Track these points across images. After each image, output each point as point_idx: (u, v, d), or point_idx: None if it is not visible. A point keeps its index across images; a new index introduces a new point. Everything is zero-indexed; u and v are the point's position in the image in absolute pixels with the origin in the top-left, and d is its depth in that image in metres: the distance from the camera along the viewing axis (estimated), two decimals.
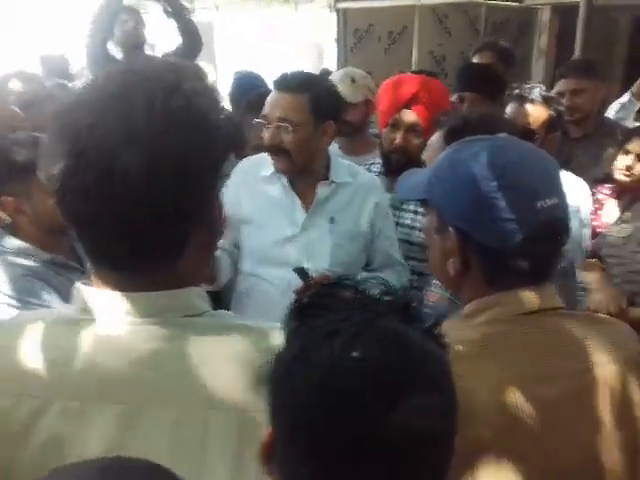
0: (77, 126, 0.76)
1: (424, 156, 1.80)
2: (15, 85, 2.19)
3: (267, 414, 0.69)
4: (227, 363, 0.81)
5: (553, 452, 0.94)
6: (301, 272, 1.80)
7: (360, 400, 0.61)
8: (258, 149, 2.24)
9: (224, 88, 4.52)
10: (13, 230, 1.67)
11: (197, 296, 0.88)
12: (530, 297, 1.01)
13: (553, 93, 2.91)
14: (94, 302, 0.84)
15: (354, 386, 0.61)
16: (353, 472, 0.62)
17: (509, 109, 2.41)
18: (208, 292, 2.04)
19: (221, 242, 2.01)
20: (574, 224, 2.35)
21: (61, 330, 0.85)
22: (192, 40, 3.53)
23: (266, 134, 1.90)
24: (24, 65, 3.68)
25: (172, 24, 3.59)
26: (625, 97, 3.46)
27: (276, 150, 1.90)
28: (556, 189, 1.01)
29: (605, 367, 0.99)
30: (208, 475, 0.77)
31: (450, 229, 1.02)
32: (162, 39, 4.76)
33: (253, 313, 1.92)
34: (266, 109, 1.91)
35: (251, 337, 0.85)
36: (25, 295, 1.55)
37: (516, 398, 0.93)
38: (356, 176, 2.06)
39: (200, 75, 0.87)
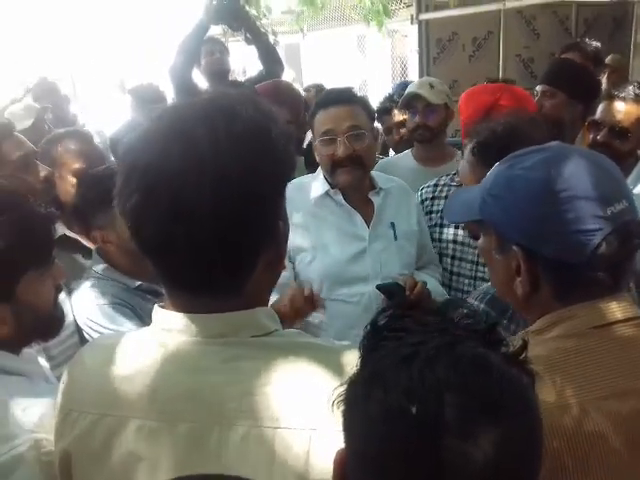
0: (145, 162, 0.81)
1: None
2: (68, 145, 2.19)
3: (339, 434, 0.70)
4: (297, 381, 0.83)
5: (629, 471, 0.90)
6: (389, 288, 1.79)
7: (437, 430, 0.59)
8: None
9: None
10: (104, 259, 1.78)
11: (266, 316, 0.90)
12: (605, 308, 0.96)
13: None
14: (169, 323, 0.88)
15: (431, 413, 0.60)
16: None
17: (599, 108, 2.31)
18: None
19: (284, 277, 2.00)
20: None
21: (137, 350, 0.90)
22: (272, 65, 3.62)
23: (337, 148, 1.91)
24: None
25: (254, 49, 3.71)
26: None
27: (349, 161, 1.92)
28: (623, 192, 0.97)
29: None
30: None
31: (514, 248, 0.98)
32: (251, 65, 4.92)
33: (333, 337, 1.89)
34: (329, 125, 1.93)
35: (322, 355, 0.86)
36: (111, 322, 1.64)
37: (588, 417, 0.89)
38: (393, 180, 2.14)
39: (253, 96, 0.90)
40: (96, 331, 1.68)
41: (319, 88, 4.83)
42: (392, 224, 2.03)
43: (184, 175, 0.78)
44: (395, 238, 2.02)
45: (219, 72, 3.71)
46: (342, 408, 0.69)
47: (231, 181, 0.79)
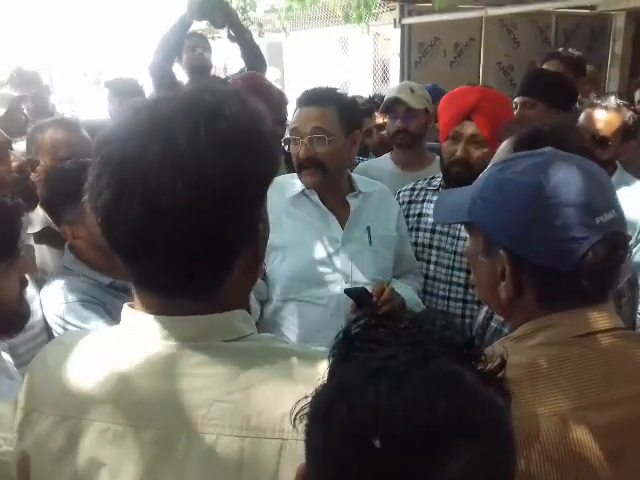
0: (119, 157, 0.77)
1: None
2: (54, 134, 2.14)
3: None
4: (267, 388, 0.79)
5: None
6: (356, 292, 1.77)
7: (404, 453, 0.56)
8: None
9: (291, 104, 4.69)
10: (76, 255, 1.72)
11: (241, 319, 0.86)
12: (588, 318, 0.95)
13: (636, 99, 2.79)
14: (138, 324, 0.84)
15: (397, 437, 0.56)
16: None
17: (582, 116, 2.32)
18: None
19: None
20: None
21: (102, 351, 0.86)
22: (255, 63, 3.59)
23: (299, 149, 1.91)
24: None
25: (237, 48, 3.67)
26: None
27: (310, 163, 1.91)
28: (612, 202, 0.96)
29: None
30: None
31: (500, 252, 0.97)
32: (233, 62, 4.89)
33: (301, 339, 1.91)
34: (295, 124, 1.93)
35: (295, 363, 0.83)
36: (80, 320, 1.59)
37: (566, 428, 0.87)
38: (374, 184, 2.12)
39: (241, 95, 0.86)
40: (64, 329, 1.63)
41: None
42: (368, 228, 2.00)
43: (160, 172, 0.74)
44: (370, 242, 1.99)
45: (200, 68, 3.67)
46: (307, 420, 0.65)
47: (210, 180, 0.75)
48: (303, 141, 1.90)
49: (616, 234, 0.94)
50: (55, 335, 1.66)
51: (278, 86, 4.52)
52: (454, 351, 0.63)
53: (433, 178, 2.37)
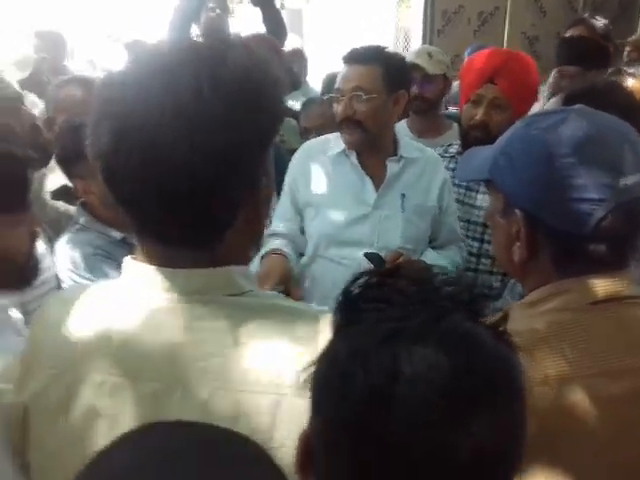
0: (119, 103, 0.75)
1: None
2: (71, 91, 2.15)
3: (307, 404, 0.64)
4: (266, 344, 0.78)
5: (614, 452, 0.86)
6: (374, 257, 1.75)
7: (427, 416, 0.54)
8: (321, 129, 2.27)
9: (311, 72, 4.64)
10: (88, 210, 1.72)
11: (241, 275, 0.85)
12: (604, 284, 0.92)
13: None
14: (138, 276, 0.83)
15: (420, 397, 0.54)
16: None
17: None
18: None
19: (286, 229, 2.00)
20: None
21: (102, 304, 0.85)
22: (276, 30, 3.53)
23: (339, 107, 1.89)
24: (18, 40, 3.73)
25: (259, 13, 3.61)
26: None
27: (349, 122, 1.88)
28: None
29: None
30: None
31: (517, 212, 0.94)
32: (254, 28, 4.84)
33: (322, 296, 1.91)
34: (339, 83, 1.91)
35: (296, 319, 0.82)
36: (93, 273, 1.59)
37: (575, 394, 0.85)
38: (424, 151, 2.05)
39: (247, 46, 0.83)
40: (75, 283, 1.63)
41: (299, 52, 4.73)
42: (402, 195, 1.96)
43: (160, 120, 0.72)
44: (402, 210, 1.95)
45: (217, 30, 3.61)
46: (313, 385, 0.63)
47: (211, 132, 0.73)
48: (343, 99, 1.88)
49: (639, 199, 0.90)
50: None
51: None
52: (462, 307, 0.61)
53: (450, 145, 2.33)
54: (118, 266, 1.60)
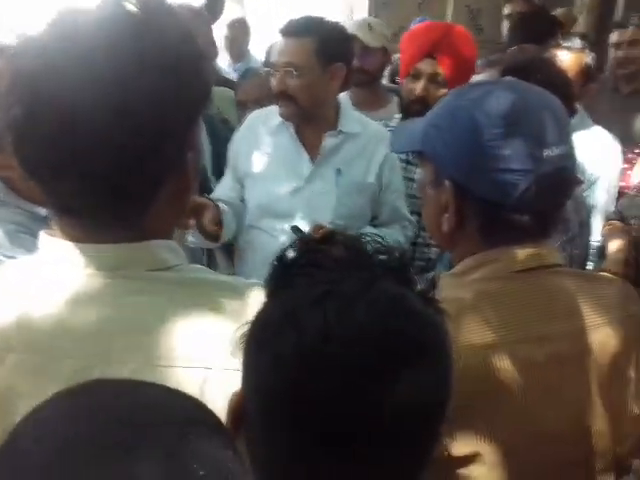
0: (33, 69, 0.71)
1: None
2: None
3: (235, 373, 0.65)
4: (193, 318, 0.77)
5: (537, 414, 0.90)
6: (297, 230, 1.75)
7: (358, 371, 0.56)
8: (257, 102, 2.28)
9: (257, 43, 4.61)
10: (7, 185, 1.65)
11: (166, 249, 0.83)
12: (527, 254, 0.95)
13: (611, 42, 2.82)
14: (56, 252, 0.80)
15: (351, 356, 0.56)
16: (337, 445, 0.58)
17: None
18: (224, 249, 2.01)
19: (227, 196, 1.99)
20: (601, 183, 2.27)
21: (19, 281, 0.82)
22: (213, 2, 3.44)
23: (273, 81, 1.89)
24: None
25: None
26: None
27: (282, 96, 1.88)
28: (564, 137, 0.94)
29: (600, 329, 0.94)
30: None
31: (446, 182, 0.95)
32: None
33: (253, 265, 1.96)
34: (275, 56, 1.92)
35: (223, 293, 0.81)
36: (16, 252, 1.53)
37: (500, 359, 0.88)
38: (367, 127, 2.02)
39: (174, 12, 0.80)
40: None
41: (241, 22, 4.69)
42: (338, 170, 1.95)
43: (76, 89, 0.69)
44: (337, 185, 1.94)
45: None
46: (246, 347, 0.64)
47: (131, 102, 0.70)
48: (277, 74, 1.88)
49: (563, 169, 0.93)
50: None
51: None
52: (393, 273, 0.63)
53: (392, 118, 2.33)
54: None
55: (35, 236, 1.55)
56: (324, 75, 1.87)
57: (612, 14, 4.98)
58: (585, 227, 1.60)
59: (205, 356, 0.74)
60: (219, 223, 1.85)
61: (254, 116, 2.09)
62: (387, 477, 0.61)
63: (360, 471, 0.59)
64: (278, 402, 0.60)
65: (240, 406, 0.64)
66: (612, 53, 2.96)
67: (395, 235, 2.04)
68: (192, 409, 0.52)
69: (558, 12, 4.02)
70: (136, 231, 0.79)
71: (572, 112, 1.44)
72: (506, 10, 3.37)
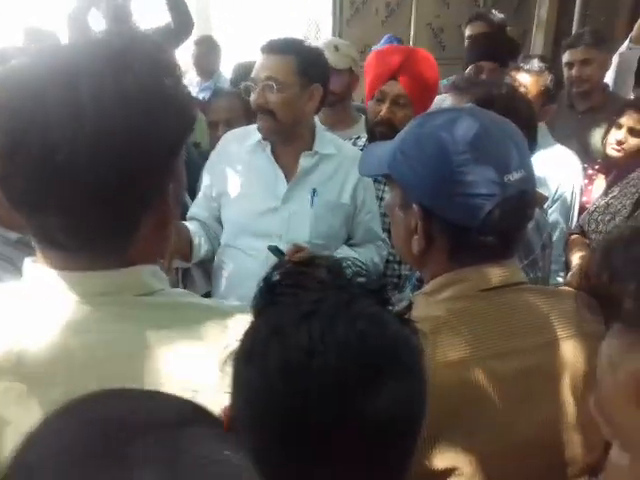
0: (16, 104, 0.72)
1: None
2: None
3: (221, 395, 0.68)
4: (180, 342, 0.79)
5: (509, 427, 0.94)
6: (276, 250, 1.78)
7: (339, 384, 0.61)
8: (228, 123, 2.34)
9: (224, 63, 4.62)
10: None
11: (150, 274, 0.85)
12: (492, 273, 0.99)
13: (564, 62, 2.89)
14: (41, 280, 0.81)
15: (334, 370, 0.61)
16: (323, 453, 0.62)
17: (506, 79, 2.37)
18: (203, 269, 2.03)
19: (201, 215, 2.02)
20: (564, 199, 2.34)
21: (7, 307, 0.83)
22: (181, 18, 3.45)
23: (253, 95, 1.91)
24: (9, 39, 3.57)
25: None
26: (623, 46, 3.24)
27: (262, 110, 1.90)
28: (524, 161, 0.98)
29: (567, 341, 0.98)
30: None
31: (414, 206, 0.99)
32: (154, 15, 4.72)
33: (229, 284, 1.98)
34: (254, 72, 1.92)
35: (207, 316, 0.83)
36: None
37: (474, 375, 0.91)
38: (341, 148, 2.07)
39: (158, 49, 0.82)
40: None
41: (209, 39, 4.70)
42: (314, 190, 1.98)
43: (59, 125, 0.70)
44: (312, 205, 1.97)
45: (119, 17, 3.49)
46: (235, 363, 0.68)
47: (113, 136, 0.72)
48: (256, 88, 1.90)
49: (524, 193, 0.97)
50: None
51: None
52: (371, 294, 0.68)
53: (358, 138, 2.37)
54: (15, 268, 1.55)
55: (8, 261, 1.55)
56: (303, 94, 1.91)
57: (569, 30, 5.15)
58: (547, 249, 1.65)
59: (191, 379, 0.76)
60: (189, 243, 1.88)
61: (230, 136, 2.12)
62: None
63: (342, 476, 0.63)
64: (266, 413, 0.64)
65: (229, 421, 0.67)
66: (565, 72, 3.02)
67: (371, 255, 2.09)
68: (191, 410, 0.55)
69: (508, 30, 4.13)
70: (121, 260, 0.81)
71: (534, 142, 1.50)
72: (467, 32, 3.45)
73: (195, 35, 4.02)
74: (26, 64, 0.76)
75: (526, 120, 1.24)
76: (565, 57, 3.01)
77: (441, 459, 0.90)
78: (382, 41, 3.96)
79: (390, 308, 0.69)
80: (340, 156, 2.03)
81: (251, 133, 2.01)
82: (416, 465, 0.87)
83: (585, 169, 2.56)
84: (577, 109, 3.02)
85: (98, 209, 0.74)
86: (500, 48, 2.88)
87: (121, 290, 0.81)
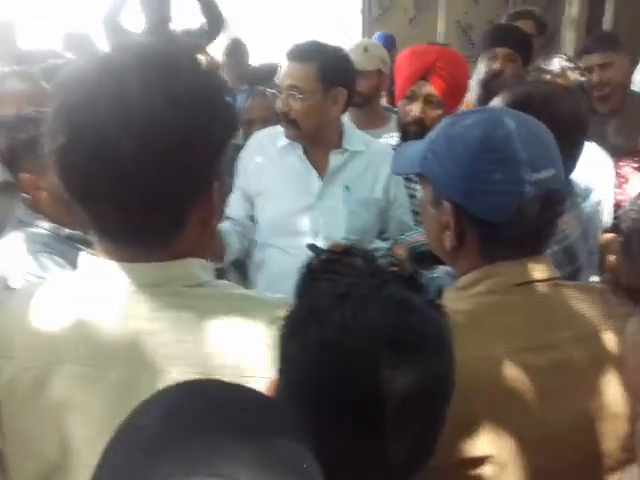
0: (73, 102, 0.79)
1: None
2: (13, 85, 2.12)
3: (269, 376, 0.74)
4: (229, 330, 0.84)
5: (543, 418, 0.96)
6: (314, 248, 1.82)
7: (369, 359, 0.66)
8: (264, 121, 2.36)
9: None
10: (34, 207, 1.71)
11: (198, 267, 0.90)
12: (525, 268, 1.01)
13: (582, 67, 2.86)
14: (98, 270, 0.87)
15: (364, 346, 0.66)
16: (352, 425, 0.67)
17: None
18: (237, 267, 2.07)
19: (235, 214, 2.06)
20: (595, 196, 2.33)
21: (65, 298, 0.88)
22: (213, 19, 3.53)
23: (278, 103, 1.96)
24: (48, 43, 3.69)
25: (195, 2, 3.59)
26: None
27: (285, 118, 1.95)
28: (552, 160, 1.01)
29: (600, 336, 1.00)
30: None
31: (445, 203, 1.02)
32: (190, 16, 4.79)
33: (268, 282, 2.01)
34: (279, 79, 1.99)
35: (255, 307, 0.88)
36: (42, 272, 1.59)
37: (507, 367, 0.94)
38: (370, 144, 2.11)
39: (201, 56, 0.88)
40: (26, 281, 1.62)
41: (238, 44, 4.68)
42: (347, 187, 2.02)
43: (108, 123, 0.76)
44: (345, 201, 2.02)
45: (159, 19, 3.58)
46: (280, 341, 0.73)
47: (159, 138, 0.77)
48: (281, 97, 1.95)
49: (552, 191, 1.00)
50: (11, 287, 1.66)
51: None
52: (402, 281, 0.74)
53: (391, 137, 2.39)
54: (66, 263, 1.62)
55: (60, 256, 1.62)
56: (326, 99, 1.94)
57: (600, 28, 5.10)
58: (592, 254, 1.64)
59: (241, 365, 0.81)
60: (223, 243, 1.93)
61: (261, 135, 2.16)
62: (397, 454, 0.70)
63: (371, 446, 0.68)
64: (303, 386, 0.69)
65: (274, 393, 0.73)
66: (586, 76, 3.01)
67: None
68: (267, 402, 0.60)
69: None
70: (168, 253, 0.86)
71: (578, 151, 1.50)
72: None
73: (224, 39, 4.06)
74: (82, 67, 0.83)
75: (570, 122, 1.25)
76: (584, 63, 2.99)
77: (475, 447, 0.93)
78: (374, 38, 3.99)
79: (420, 293, 0.74)
80: (369, 152, 2.08)
81: (281, 133, 2.05)
82: (451, 453, 0.92)
83: (621, 167, 2.55)
84: (599, 112, 3.00)
85: (145, 203, 0.80)
86: (514, 34, 2.82)
87: (172, 281, 0.86)
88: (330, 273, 0.75)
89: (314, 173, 2.02)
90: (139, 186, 0.78)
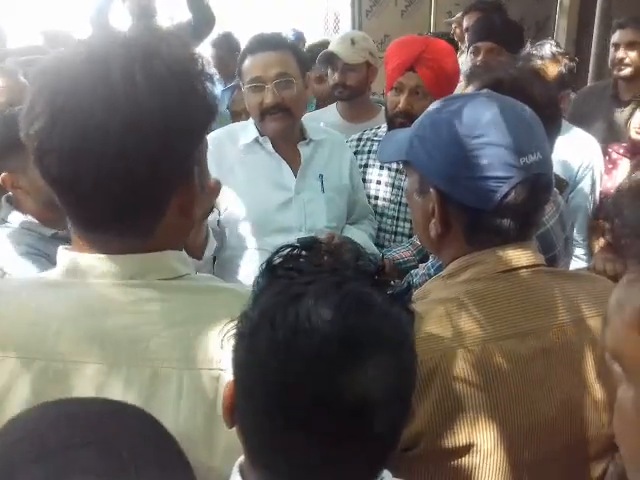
0: (54, 88, 0.78)
1: None
2: None
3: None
4: (206, 323, 0.83)
5: (529, 405, 0.95)
6: (305, 242, 1.79)
7: (320, 361, 0.64)
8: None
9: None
10: (16, 206, 1.70)
11: (177, 259, 0.89)
12: (510, 255, 1.00)
13: (612, 42, 2.85)
14: (74, 264, 0.86)
15: (315, 347, 0.63)
16: (309, 426, 0.65)
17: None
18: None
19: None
20: (585, 182, 2.33)
21: (42, 292, 0.87)
22: (202, 15, 3.50)
23: (264, 95, 1.89)
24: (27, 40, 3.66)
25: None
26: None
27: (278, 109, 1.89)
28: (539, 145, 1.00)
29: (586, 322, 0.99)
30: (183, 429, 0.78)
31: (431, 190, 1.01)
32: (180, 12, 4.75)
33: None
34: (258, 71, 1.89)
35: (231, 299, 0.86)
36: (27, 272, 1.57)
37: (493, 354, 0.93)
38: (327, 132, 2.13)
39: (184, 42, 0.87)
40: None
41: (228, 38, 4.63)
42: (320, 176, 2.02)
43: (92, 107, 0.76)
44: (323, 190, 2.01)
45: (143, 14, 3.56)
46: (233, 342, 0.71)
47: (142, 121, 0.77)
48: (268, 87, 1.88)
49: (539, 176, 0.98)
50: None
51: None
52: (367, 277, 0.71)
53: (379, 128, 2.37)
54: (50, 262, 1.60)
55: (42, 255, 1.61)
56: (303, 85, 1.95)
57: (592, 16, 5.08)
58: (569, 242, 1.64)
59: (218, 358, 0.80)
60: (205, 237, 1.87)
61: (217, 136, 1.99)
62: (352, 461, 0.68)
63: (325, 452, 0.66)
64: (256, 389, 0.67)
65: (232, 395, 0.71)
66: (611, 54, 2.99)
67: (370, 230, 2.19)
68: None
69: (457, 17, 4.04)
70: (149, 242, 0.85)
71: (557, 128, 1.49)
72: (464, 25, 3.43)
73: (213, 33, 4.03)
74: (65, 53, 0.82)
75: (541, 103, 1.25)
76: (614, 37, 2.96)
77: (459, 436, 0.92)
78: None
79: (385, 289, 0.71)
80: (330, 140, 2.10)
81: (240, 132, 2.01)
82: (433, 441, 0.91)
83: (609, 153, 2.54)
84: (621, 98, 2.96)
85: (126, 187, 0.79)
86: (496, 28, 2.81)
87: (149, 273, 0.85)
88: (291, 270, 0.71)
89: (286, 167, 2.00)
90: (120, 172, 0.78)
